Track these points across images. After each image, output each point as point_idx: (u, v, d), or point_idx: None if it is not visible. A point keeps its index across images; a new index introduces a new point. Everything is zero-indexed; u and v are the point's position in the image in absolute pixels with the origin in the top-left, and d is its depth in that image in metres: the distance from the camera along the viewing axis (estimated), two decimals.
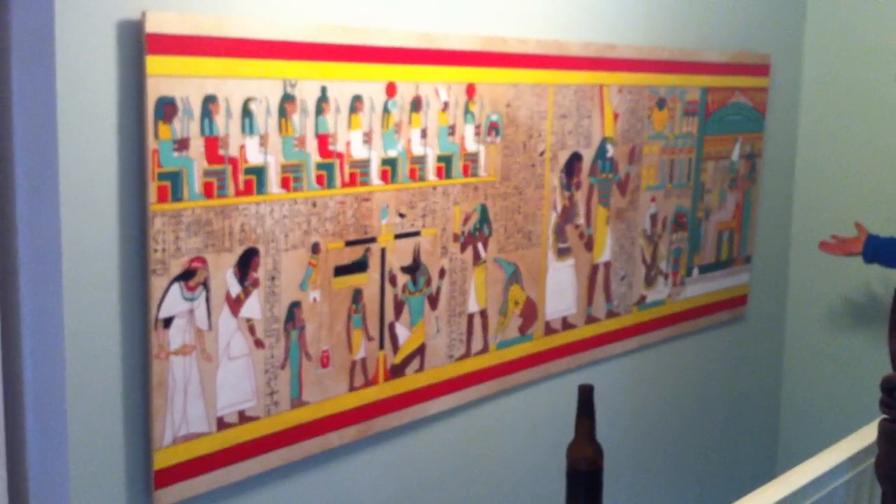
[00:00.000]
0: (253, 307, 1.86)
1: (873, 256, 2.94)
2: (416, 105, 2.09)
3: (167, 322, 1.73)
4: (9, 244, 1.06)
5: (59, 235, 1.11)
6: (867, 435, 2.38)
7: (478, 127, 2.23)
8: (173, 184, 1.71)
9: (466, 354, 2.31)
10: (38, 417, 1.10)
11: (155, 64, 1.66)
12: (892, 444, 1.38)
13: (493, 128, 2.27)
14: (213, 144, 1.76)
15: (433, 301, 2.20)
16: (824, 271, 3.41)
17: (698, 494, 3.22)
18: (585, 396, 1.61)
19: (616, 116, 2.60)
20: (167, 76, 1.68)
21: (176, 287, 1.74)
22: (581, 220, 2.55)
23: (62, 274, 1.15)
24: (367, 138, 2.01)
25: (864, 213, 3.29)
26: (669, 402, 3.03)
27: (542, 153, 2.41)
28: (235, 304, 1.83)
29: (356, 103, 1.98)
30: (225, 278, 1.81)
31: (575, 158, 2.50)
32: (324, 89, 1.92)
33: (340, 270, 2.00)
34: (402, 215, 2.10)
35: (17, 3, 1.02)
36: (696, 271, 3.00)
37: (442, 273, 2.21)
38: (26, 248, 1.08)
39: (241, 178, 1.81)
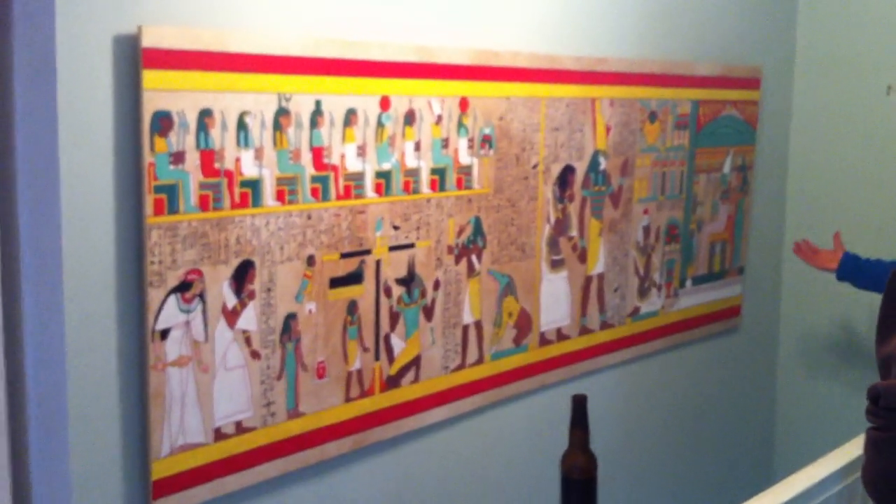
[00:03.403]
0: (249, 319, 1.88)
1: (846, 276, 2.87)
2: (410, 118, 2.12)
3: (164, 334, 1.75)
4: (12, 255, 1.08)
5: (59, 249, 1.13)
6: (859, 445, 2.39)
7: (471, 140, 2.26)
8: (169, 196, 1.73)
9: (461, 366, 2.32)
10: (39, 427, 1.12)
11: (151, 78, 1.68)
12: (877, 452, 1.39)
13: (487, 141, 2.29)
14: (208, 157, 1.78)
15: (428, 312, 2.22)
16: (816, 282, 3.42)
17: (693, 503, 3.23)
18: (579, 406, 1.63)
19: (608, 129, 2.63)
20: (163, 90, 1.70)
21: (172, 299, 1.75)
22: (574, 232, 2.57)
23: (63, 286, 1.17)
24: (362, 151, 2.03)
25: (856, 224, 3.32)
26: (664, 413, 3.05)
27: (535, 166, 2.43)
28: (231, 316, 1.85)
29: (350, 117, 2.00)
30: (221, 290, 1.83)
31: (568, 171, 2.53)
32: (318, 103, 1.94)
33: (336, 282, 2.02)
34: (396, 227, 2.12)
35: (19, 19, 1.04)
36: (689, 283, 3.02)
37: (436, 285, 2.23)
38: (29, 259, 1.10)
39: (237, 190, 1.83)
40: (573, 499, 1.63)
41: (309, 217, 1.95)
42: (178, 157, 1.74)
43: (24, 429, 1.13)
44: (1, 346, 1.08)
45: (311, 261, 1.97)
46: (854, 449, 2.37)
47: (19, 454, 1.12)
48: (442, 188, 2.21)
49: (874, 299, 3.06)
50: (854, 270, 2.85)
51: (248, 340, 1.88)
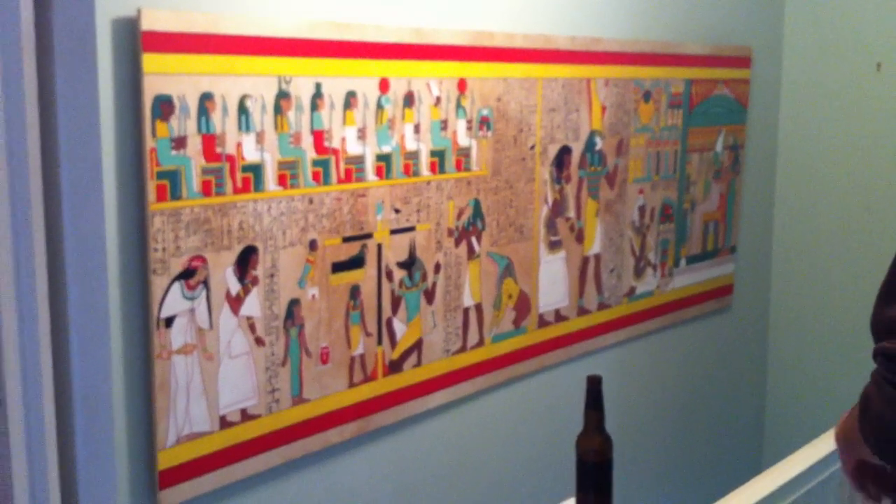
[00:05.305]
0: (253, 305, 1.86)
1: None
2: (409, 100, 2.09)
3: (168, 322, 1.72)
4: (56, 241, 1.07)
5: (103, 231, 1.12)
6: None
7: (469, 121, 2.24)
8: (172, 182, 1.70)
9: (462, 349, 2.31)
10: (85, 417, 1.12)
11: (151, 62, 1.65)
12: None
13: (485, 122, 2.28)
14: (210, 142, 1.76)
15: (429, 296, 2.20)
16: (807, 260, 3.44)
17: (686, 482, 3.24)
18: (594, 387, 1.61)
19: (603, 109, 2.61)
20: (163, 74, 1.67)
21: (176, 286, 1.73)
22: (571, 213, 2.56)
23: (107, 271, 1.16)
24: (362, 134, 2.01)
25: (845, 202, 3.33)
26: (659, 392, 3.05)
27: (532, 147, 2.41)
28: (235, 303, 1.83)
29: (350, 99, 1.98)
30: (225, 277, 1.80)
31: (564, 152, 2.51)
32: (318, 85, 1.92)
33: (338, 267, 2.00)
34: (397, 211, 2.10)
35: (58, 4, 1.02)
36: (683, 262, 3.02)
37: (437, 268, 2.21)
38: (72, 244, 1.09)
39: (239, 175, 1.81)
40: (588, 481, 1.62)
41: (310, 201, 1.93)
42: (180, 142, 1.71)
43: (72, 421, 1.12)
44: (48, 334, 1.06)
45: (313, 245, 1.95)
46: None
47: (66, 448, 1.12)
48: (441, 170, 2.19)
49: (863, 278, 3.08)
50: None
51: (252, 327, 1.86)
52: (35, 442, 1.08)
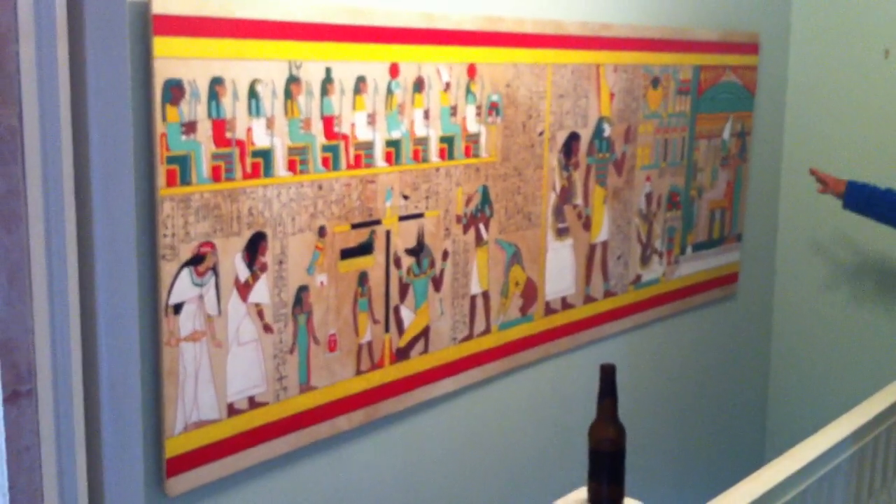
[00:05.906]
0: (261, 292, 1.84)
1: (854, 200, 2.81)
2: (419, 85, 2.07)
3: (177, 308, 1.71)
4: (87, 228, 1.06)
5: (132, 218, 1.11)
6: (868, 410, 2.40)
7: (479, 107, 2.22)
8: (182, 167, 1.69)
9: (469, 336, 2.30)
10: (111, 408, 1.11)
11: (162, 45, 1.63)
12: None
13: (494, 108, 2.26)
14: (220, 127, 1.73)
15: (437, 283, 2.19)
16: (811, 248, 3.43)
17: (690, 467, 3.24)
18: (607, 376, 1.60)
19: (612, 96, 2.59)
20: (174, 58, 1.65)
21: (185, 272, 1.71)
22: (579, 200, 2.55)
23: (135, 259, 1.15)
24: (371, 120, 1.99)
25: None
26: (664, 380, 3.05)
27: (540, 133, 2.40)
28: (244, 289, 1.81)
29: (360, 84, 1.96)
30: (234, 263, 1.79)
31: (573, 138, 2.49)
32: (328, 70, 1.89)
33: (346, 253, 1.98)
34: (406, 197, 2.09)
35: None
36: (689, 250, 3.00)
37: (445, 255, 2.20)
38: (101, 230, 1.07)
39: (249, 161, 1.79)
40: (602, 470, 1.61)
41: (320, 187, 1.91)
42: (191, 127, 1.69)
43: (99, 411, 1.11)
44: (78, 326, 1.05)
45: (322, 232, 1.93)
46: (864, 414, 2.38)
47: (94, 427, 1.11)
48: (451, 157, 2.17)
49: (868, 268, 3.06)
50: (864, 199, 2.79)
51: (260, 314, 1.84)
52: (64, 433, 1.07)
